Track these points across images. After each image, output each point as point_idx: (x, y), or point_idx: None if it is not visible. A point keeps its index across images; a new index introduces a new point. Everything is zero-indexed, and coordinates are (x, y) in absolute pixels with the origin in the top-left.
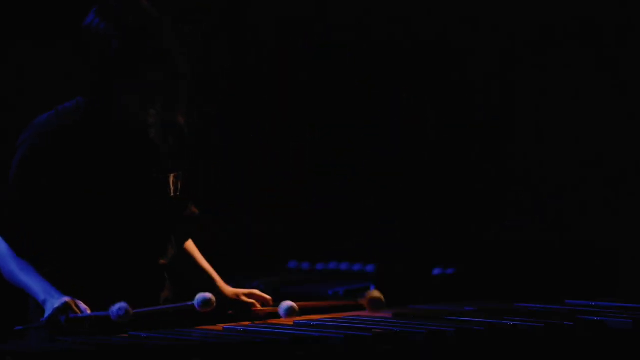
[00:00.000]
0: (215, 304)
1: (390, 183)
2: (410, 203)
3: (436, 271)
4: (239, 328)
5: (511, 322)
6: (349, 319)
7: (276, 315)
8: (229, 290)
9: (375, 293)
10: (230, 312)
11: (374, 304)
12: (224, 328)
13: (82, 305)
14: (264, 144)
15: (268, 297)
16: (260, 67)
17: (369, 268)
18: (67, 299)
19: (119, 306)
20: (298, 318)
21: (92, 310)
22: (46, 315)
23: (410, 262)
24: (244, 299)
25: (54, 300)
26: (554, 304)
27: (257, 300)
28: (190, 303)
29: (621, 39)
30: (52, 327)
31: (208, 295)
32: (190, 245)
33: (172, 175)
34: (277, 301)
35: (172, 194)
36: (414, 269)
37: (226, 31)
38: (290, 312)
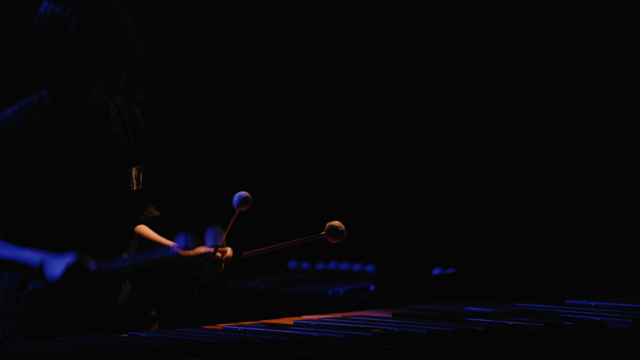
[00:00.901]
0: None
1: (389, 182)
2: (409, 203)
3: (436, 271)
4: (239, 328)
5: (511, 322)
6: (349, 319)
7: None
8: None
9: (335, 222)
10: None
11: (333, 233)
12: (224, 328)
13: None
14: (261, 142)
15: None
16: (255, 66)
17: (369, 268)
18: (74, 254)
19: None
20: (298, 318)
21: None
22: (56, 273)
23: (410, 262)
24: (202, 250)
25: (59, 259)
26: (554, 304)
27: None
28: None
29: (615, 38)
30: (68, 284)
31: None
32: (139, 227)
33: (134, 169)
34: (277, 301)
35: (134, 187)
36: (414, 269)
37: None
38: (242, 202)
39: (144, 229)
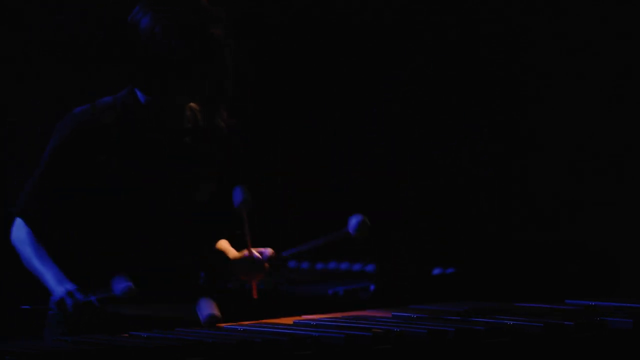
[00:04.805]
0: (220, 318)
1: (390, 182)
2: (410, 203)
3: (436, 271)
4: (239, 328)
5: (511, 322)
6: (349, 319)
7: None
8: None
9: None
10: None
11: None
12: (224, 328)
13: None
14: (261, 142)
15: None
16: (254, 64)
17: (369, 268)
18: (76, 286)
19: (124, 285)
20: (298, 318)
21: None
22: (55, 298)
23: (410, 262)
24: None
25: (65, 287)
26: (554, 304)
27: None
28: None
29: (611, 39)
30: (59, 309)
31: (215, 311)
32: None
33: (202, 180)
34: (277, 301)
35: (199, 199)
36: (414, 269)
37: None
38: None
39: (220, 244)
